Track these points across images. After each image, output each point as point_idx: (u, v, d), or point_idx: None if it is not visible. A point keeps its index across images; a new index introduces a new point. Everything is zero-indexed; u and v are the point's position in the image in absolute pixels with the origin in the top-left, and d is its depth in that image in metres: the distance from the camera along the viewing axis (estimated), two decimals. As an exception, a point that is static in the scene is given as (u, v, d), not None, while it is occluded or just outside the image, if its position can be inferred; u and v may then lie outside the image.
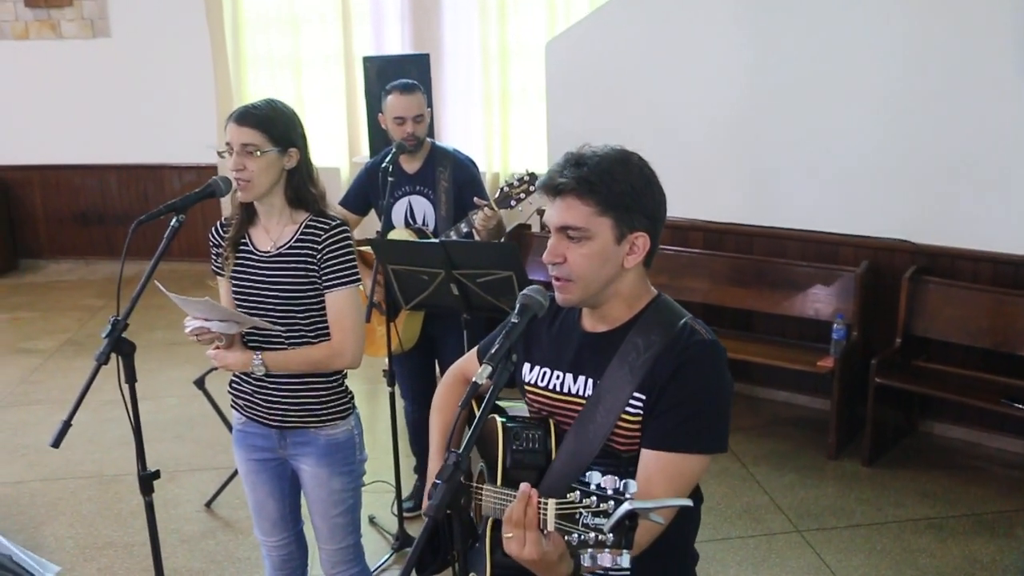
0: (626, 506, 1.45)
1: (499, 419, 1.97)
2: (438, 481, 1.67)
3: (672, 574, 2.00)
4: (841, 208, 5.11)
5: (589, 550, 1.48)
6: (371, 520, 4.21)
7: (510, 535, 1.63)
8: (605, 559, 1.46)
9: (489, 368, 1.76)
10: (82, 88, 8.41)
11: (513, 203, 3.85)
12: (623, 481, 1.49)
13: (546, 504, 1.58)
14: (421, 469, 4.38)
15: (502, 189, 3.86)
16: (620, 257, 1.86)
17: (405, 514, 4.09)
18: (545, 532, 1.60)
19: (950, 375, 4.71)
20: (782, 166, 5.29)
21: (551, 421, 1.97)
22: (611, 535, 1.46)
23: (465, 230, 3.85)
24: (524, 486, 1.64)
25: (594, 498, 1.49)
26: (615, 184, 1.81)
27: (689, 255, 5.43)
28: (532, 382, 2.03)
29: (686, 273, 5.36)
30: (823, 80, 5.05)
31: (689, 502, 1.59)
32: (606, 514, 1.47)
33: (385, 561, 3.94)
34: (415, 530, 4.07)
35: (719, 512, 4.26)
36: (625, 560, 1.46)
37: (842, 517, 4.25)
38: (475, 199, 3.81)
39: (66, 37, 8.38)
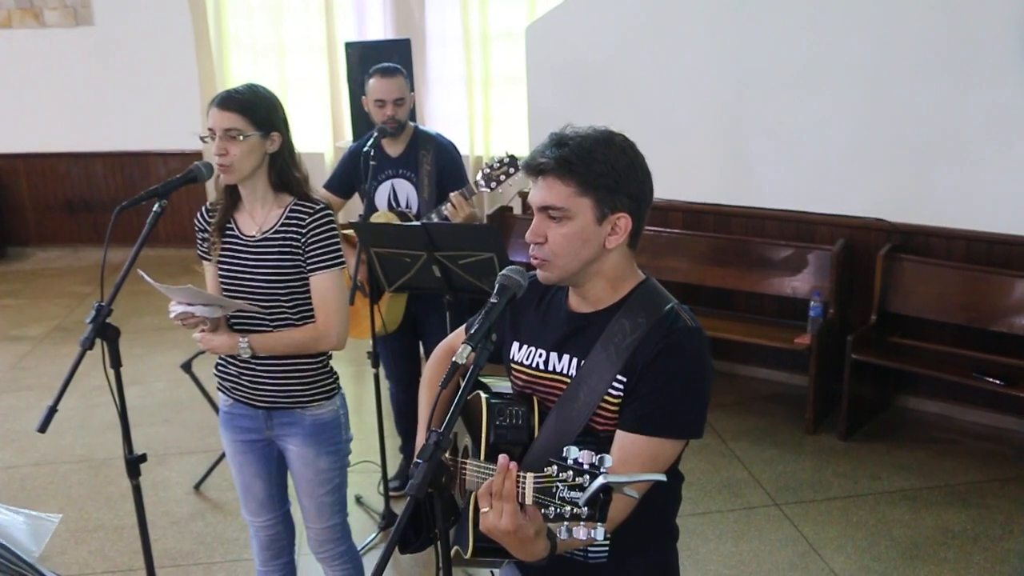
0: (600, 480, 1.47)
1: (483, 395, 1.97)
2: (419, 461, 1.67)
3: (652, 550, 2.02)
4: (817, 188, 5.17)
5: (565, 523, 1.50)
6: (358, 500, 4.26)
7: (487, 508, 1.64)
8: (580, 532, 1.48)
9: (468, 348, 1.76)
10: (66, 76, 8.40)
11: (493, 184, 3.90)
12: (599, 456, 1.50)
13: (524, 478, 1.59)
14: (406, 449, 4.42)
15: (482, 171, 3.91)
16: (601, 238, 1.85)
17: (391, 493, 4.14)
18: (523, 506, 1.61)
19: (924, 351, 4.78)
20: (760, 147, 5.34)
21: (534, 398, 1.98)
22: (586, 508, 1.48)
23: (444, 212, 3.89)
24: (503, 458, 1.64)
25: (570, 472, 1.50)
26: (595, 165, 1.80)
27: (669, 235, 5.48)
28: (518, 360, 2.04)
29: (666, 253, 5.41)
30: (800, 62, 5.09)
31: (663, 478, 1.59)
32: (582, 488, 1.49)
33: (372, 539, 3.99)
34: (401, 508, 4.11)
35: (700, 487, 4.35)
36: (599, 533, 1.48)
37: (819, 490, 4.33)
38: (450, 194, 3.86)
39: (49, 25, 8.36)
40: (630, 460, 1.80)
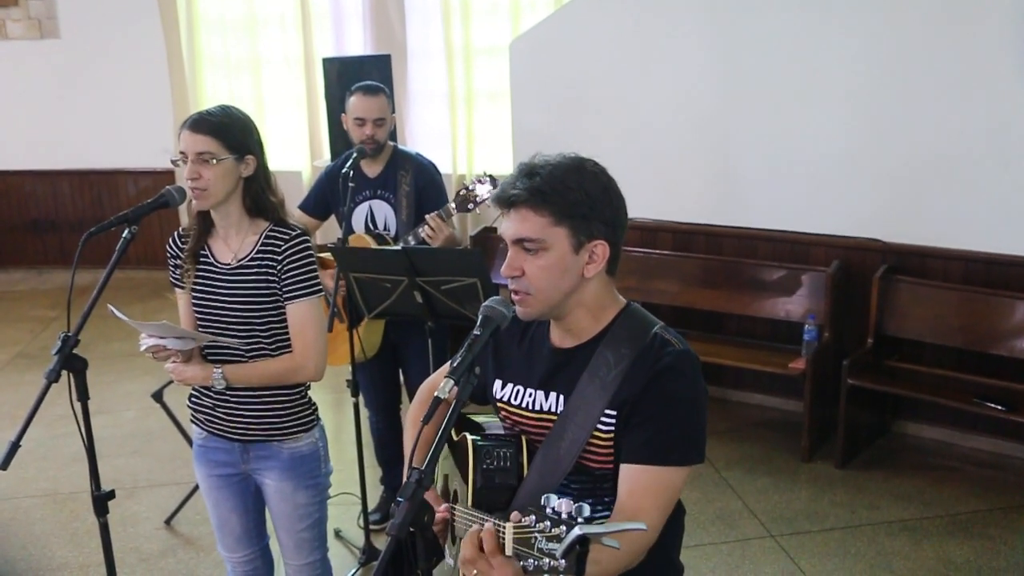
0: (576, 531, 1.45)
1: (470, 437, 1.95)
2: (400, 499, 1.65)
3: None
4: (811, 207, 5.08)
5: (544, 575, 1.49)
6: (337, 533, 4.15)
7: (473, 573, 1.61)
8: None
9: (451, 382, 1.74)
10: (31, 91, 8.21)
11: (470, 206, 3.82)
12: (577, 505, 1.49)
13: (504, 528, 1.57)
14: (387, 480, 4.33)
15: (459, 193, 3.83)
16: (580, 267, 1.83)
17: (371, 526, 4.04)
18: (506, 556, 1.58)
19: (922, 375, 4.69)
20: (751, 166, 5.25)
21: (523, 438, 1.95)
22: (563, 560, 1.46)
23: (422, 235, 3.80)
24: (473, 530, 1.62)
25: (548, 523, 1.50)
26: (569, 193, 1.79)
27: (658, 257, 5.38)
28: (505, 400, 2.02)
29: (655, 275, 5.31)
30: (792, 79, 5.02)
31: (643, 526, 1.55)
32: (559, 539, 1.48)
33: (352, 575, 3.88)
34: (382, 543, 3.97)
35: (692, 518, 4.14)
36: None
37: (816, 521, 4.22)
38: (426, 216, 3.77)
39: (12, 38, 8.17)
40: (639, 493, 1.79)
